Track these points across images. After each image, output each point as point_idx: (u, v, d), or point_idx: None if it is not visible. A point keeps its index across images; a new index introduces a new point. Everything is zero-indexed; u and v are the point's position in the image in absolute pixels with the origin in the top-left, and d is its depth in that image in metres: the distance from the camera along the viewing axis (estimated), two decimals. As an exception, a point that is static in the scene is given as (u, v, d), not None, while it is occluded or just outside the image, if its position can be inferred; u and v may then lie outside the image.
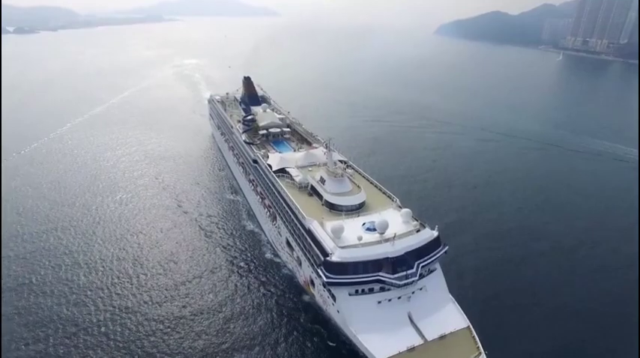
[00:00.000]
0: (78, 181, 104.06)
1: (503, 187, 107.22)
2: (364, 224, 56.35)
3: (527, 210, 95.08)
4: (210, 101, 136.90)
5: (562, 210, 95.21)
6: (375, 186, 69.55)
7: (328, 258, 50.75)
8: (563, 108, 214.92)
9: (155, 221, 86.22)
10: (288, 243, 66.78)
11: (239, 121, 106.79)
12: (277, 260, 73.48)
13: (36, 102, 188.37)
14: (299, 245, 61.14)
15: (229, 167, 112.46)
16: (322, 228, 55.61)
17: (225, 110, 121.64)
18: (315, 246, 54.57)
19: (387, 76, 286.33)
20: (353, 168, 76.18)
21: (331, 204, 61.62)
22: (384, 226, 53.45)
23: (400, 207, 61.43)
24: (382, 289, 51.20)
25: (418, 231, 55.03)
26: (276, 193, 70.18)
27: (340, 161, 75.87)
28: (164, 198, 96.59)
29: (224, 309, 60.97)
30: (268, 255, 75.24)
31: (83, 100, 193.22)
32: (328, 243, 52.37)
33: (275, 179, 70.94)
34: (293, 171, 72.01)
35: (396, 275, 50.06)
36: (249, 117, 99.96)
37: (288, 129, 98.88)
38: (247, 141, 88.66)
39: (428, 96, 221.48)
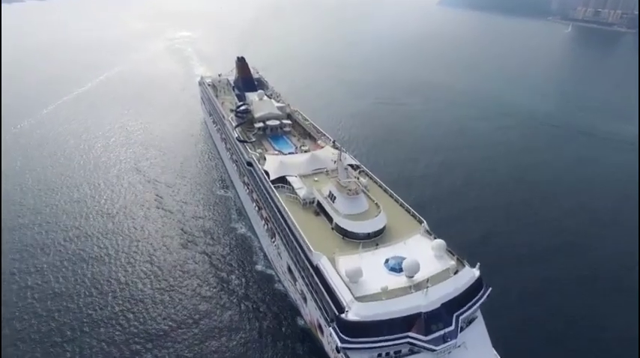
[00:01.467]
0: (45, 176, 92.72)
1: (541, 193, 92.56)
2: (387, 261, 44.62)
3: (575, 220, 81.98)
4: (201, 84, 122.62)
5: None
6: (396, 201, 57.47)
7: (343, 316, 39.30)
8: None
9: (128, 222, 75.56)
10: (289, 270, 55.47)
11: (232, 110, 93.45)
12: (270, 271, 64.23)
13: (18, 80, 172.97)
14: (304, 280, 49.73)
15: (221, 158, 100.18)
16: (334, 267, 43.98)
17: (216, 95, 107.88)
18: (326, 292, 43.06)
19: (392, 51, 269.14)
20: (367, 175, 63.98)
21: (344, 230, 49.76)
22: (414, 268, 41.80)
23: (429, 233, 49.71)
24: (412, 351, 40.05)
25: (456, 272, 43.43)
26: (275, 210, 58.24)
27: (351, 166, 63.75)
28: (143, 194, 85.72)
29: (203, 329, 53.03)
30: (260, 267, 65.57)
31: (69, 78, 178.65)
32: (343, 293, 40.82)
33: (273, 192, 58.78)
34: (295, 182, 59.73)
35: (430, 337, 38.84)
36: (243, 108, 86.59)
37: (289, 122, 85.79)
38: (241, 138, 75.76)
39: (435, 73, 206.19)
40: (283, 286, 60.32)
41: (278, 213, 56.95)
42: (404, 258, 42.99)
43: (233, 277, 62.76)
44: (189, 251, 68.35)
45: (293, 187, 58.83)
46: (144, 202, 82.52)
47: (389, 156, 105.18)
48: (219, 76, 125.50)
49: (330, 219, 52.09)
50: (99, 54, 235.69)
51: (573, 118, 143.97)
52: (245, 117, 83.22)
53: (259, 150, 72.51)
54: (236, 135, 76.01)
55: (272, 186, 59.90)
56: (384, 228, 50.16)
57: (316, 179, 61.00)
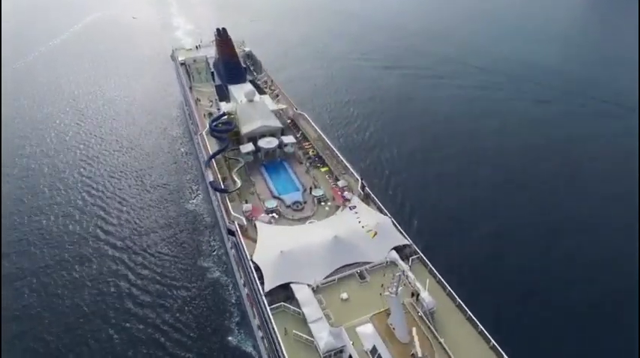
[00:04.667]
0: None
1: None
2: None
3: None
4: (174, 59, 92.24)
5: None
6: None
7: None
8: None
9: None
10: None
11: (209, 115, 65.46)
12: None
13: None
14: None
15: (198, 158, 75.13)
16: None
17: (191, 79, 78.61)
18: None
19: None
20: (426, 268, 38.44)
21: None
22: None
23: None
24: None
25: None
26: (274, 347, 33.60)
27: (397, 248, 38.27)
28: (83, 209, 66.54)
29: None
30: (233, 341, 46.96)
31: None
32: None
33: (270, 321, 33.56)
34: (308, 306, 34.06)
35: None
36: (223, 119, 58.44)
37: (292, 140, 57.97)
38: (218, 186, 48.48)
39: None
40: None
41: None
42: None
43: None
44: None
45: (304, 316, 33.24)
46: (82, 224, 63.76)
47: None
48: (196, 47, 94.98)
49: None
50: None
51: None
52: (225, 139, 55.17)
53: (246, 203, 46.15)
54: (210, 179, 48.58)
55: (268, 307, 34.30)
56: None
57: (344, 296, 35.17)
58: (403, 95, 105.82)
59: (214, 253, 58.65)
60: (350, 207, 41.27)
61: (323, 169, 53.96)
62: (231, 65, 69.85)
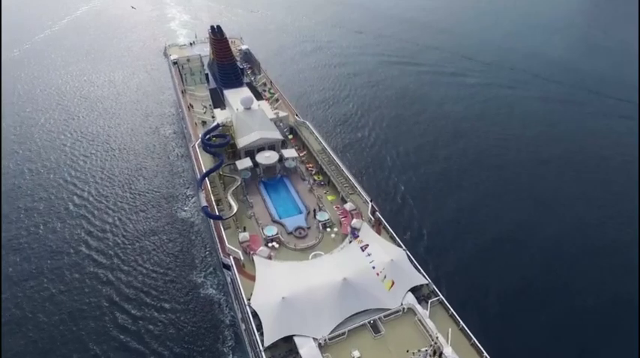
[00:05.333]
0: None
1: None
2: None
3: None
4: (166, 55, 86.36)
5: None
6: None
7: None
8: None
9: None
10: None
11: (202, 123, 60.28)
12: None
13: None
14: None
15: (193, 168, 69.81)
16: None
17: (183, 81, 73.03)
18: None
19: None
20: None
21: None
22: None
23: None
24: None
25: None
26: None
27: (418, 289, 33.83)
28: (65, 217, 61.30)
29: None
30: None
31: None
32: None
33: None
34: None
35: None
36: (218, 131, 53.07)
37: (294, 154, 52.78)
38: (210, 213, 43.27)
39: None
40: None
41: None
42: None
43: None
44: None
45: None
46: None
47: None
48: (190, 44, 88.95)
49: None
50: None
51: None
52: (220, 155, 49.84)
53: (243, 232, 41.24)
54: (203, 204, 43.45)
55: None
56: None
57: (356, 354, 30.53)
58: (417, 97, 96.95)
59: (209, 267, 53.52)
60: (362, 248, 36.24)
61: (329, 196, 48.55)
62: (226, 68, 64.06)
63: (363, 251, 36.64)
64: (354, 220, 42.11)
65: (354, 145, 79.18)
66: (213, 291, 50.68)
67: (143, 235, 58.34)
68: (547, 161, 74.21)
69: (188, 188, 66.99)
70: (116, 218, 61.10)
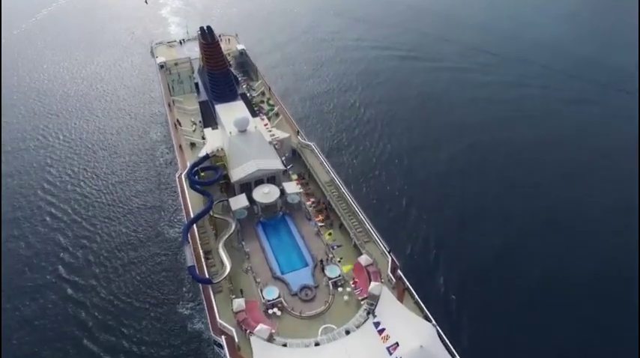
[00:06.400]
0: None
1: None
2: None
3: None
4: (153, 55, 77.49)
5: None
6: None
7: None
8: None
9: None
10: None
11: (191, 145, 52.40)
12: None
13: None
14: None
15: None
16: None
17: (171, 91, 64.73)
18: None
19: None
20: None
21: None
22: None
23: None
24: None
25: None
26: None
27: None
28: (39, 233, 54.41)
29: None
30: None
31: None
32: None
33: None
34: None
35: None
36: (206, 164, 45.29)
37: (299, 189, 45.06)
38: (197, 275, 35.73)
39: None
40: None
41: None
42: None
43: None
44: None
45: None
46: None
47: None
48: (180, 43, 79.97)
49: None
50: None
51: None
52: (210, 195, 42.05)
53: (239, 298, 34.00)
54: (189, 264, 35.91)
55: None
56: None
57: None
58: (439, 106, 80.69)
59: (197, 298, 45.19)
60: (379, 331, 29.10)
61: (340, 245, 40.84)
62: (218, 78, 55.37)
63: (380, 334, 29.62)
64: (372, 284, 34.66)
65: (370, 172, 64.05)
66: (202, 326, 42.78)
67: (126, 257, 51.03)
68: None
69: (178, 202, 58.86)
70: (97, 233, 54.23)
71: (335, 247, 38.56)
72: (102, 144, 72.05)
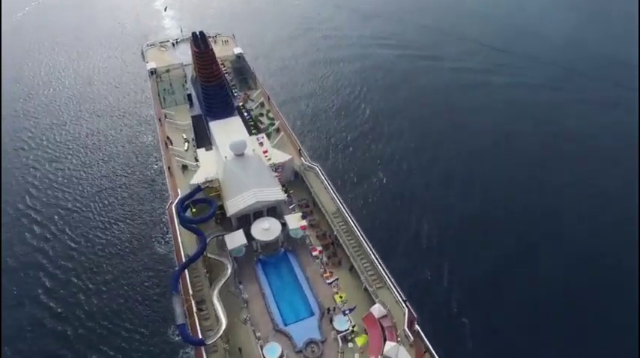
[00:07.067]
0: None
1: None
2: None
3: None
4: (144, 59, 72.15)
5: None
6: None
7: None
8: None
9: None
10: None
11: (183, 168, 47.67)
12: None
13: None
14: None
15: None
16: None
17: (162, 102, 59.69)
18: None
19: None
20: None
21: None
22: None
23: None
24: None
25: None
26: None
27: None
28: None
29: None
30: None
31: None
32: None
33: None
34: None
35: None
36: (198, 196, 40.68)
37: (302, 222, 40.37)
38: (188, 336, 31.42)
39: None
40: None
41: None
42: None
43: None
44: None
45: None
46: None
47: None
48: (172, 44, 74.39)
49: None
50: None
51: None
52: (202, 234, 37.47)
53: None
54: (180, 322, 31.58)
55: None
56: None
57: None
58: (466, 129, 70.16)
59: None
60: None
61: (354, 307, 35.24)
62: (212, 92, 50.07)
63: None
64: (387, 346, 30.38)
65: (381, 199, 56.73)
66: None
67: (111, 276, 47.98)
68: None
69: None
70: (81, 249, 50.86)
71: (348, 312, 33.85)
72: (93, 147, 69.01)
